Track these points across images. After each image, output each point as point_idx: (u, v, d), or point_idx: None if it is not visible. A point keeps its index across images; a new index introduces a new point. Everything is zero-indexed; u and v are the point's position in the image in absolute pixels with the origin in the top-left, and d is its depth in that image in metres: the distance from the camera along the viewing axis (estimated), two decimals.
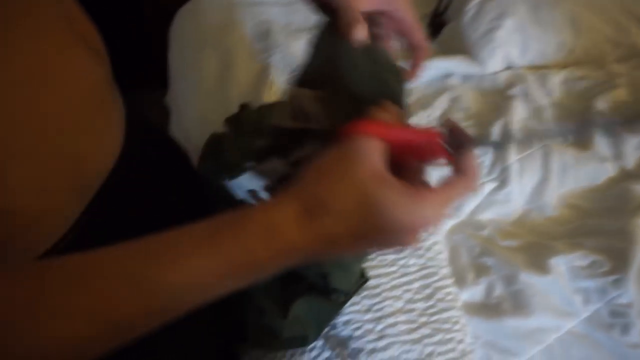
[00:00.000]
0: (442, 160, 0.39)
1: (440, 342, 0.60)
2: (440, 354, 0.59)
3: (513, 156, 0.79)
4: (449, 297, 0.64)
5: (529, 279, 0.66)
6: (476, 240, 0.72)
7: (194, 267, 0.33)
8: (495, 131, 0.84)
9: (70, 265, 0.33)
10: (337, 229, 0.34)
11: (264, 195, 0.61)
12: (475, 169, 0.38)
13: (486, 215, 0.76)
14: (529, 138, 0.87)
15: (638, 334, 0.61)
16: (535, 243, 0.71)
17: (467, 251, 0.71)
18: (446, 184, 0.37)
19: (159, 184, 0.62)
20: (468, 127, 0.87)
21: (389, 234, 0.35)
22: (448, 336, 0.60)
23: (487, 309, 0.65)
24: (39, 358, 0.31)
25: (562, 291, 0.65)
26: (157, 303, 0.33)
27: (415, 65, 0.54)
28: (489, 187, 0.78)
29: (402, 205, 0.34)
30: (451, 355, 0.59)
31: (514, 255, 0.69)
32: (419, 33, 0.52)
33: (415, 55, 0.54)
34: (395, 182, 0.35)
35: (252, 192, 0.66)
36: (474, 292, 0.67)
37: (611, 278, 0.64)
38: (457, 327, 0.61)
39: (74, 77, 0.44)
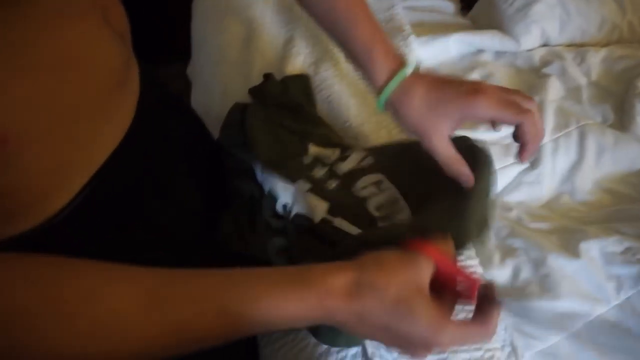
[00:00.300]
0: (469, 304, 0.44)
1: None
2: None
3: (547, 136, 0.75)
4: None
5: (558, 263, 0.63)
6: (503, 221, 0.69)
7: (263, 308, 0.38)
8: None
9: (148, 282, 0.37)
10: (372, 313, 0.39)
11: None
12: (494, 327, 0.42)
13: (515, 197, 0.73)
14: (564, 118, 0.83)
15: None
16: (566, 227, 0.68)
17: (494, 232, 0.68)
18: (466, 324, 0.41)
19: (174, 153, 0.60)
20: None
21: (405, 339, 0.40)
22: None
23: (512, 291, 0.62)
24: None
25: (593, 276, 0.62)
26: (229, 331, 0.38)
27: (524, 148, 0.52)
28: (519, 168, 0.74)
29: (428, 322, 0.39)
30: None
31: (543, 238, 0.66)
32: (515, 112, 0.50)
33: (522, 140, 0.52)
34: (431, 300, 0.40)
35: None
36: (500, 274, 0.64)
37: None
38: None
39: (96, 63, 0.44)
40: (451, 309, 0.44)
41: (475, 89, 0.50)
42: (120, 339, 0.35)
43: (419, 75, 0.54)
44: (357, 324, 0.40)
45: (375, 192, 0.63)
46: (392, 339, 0.41)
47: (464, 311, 0.51)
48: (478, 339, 0.42)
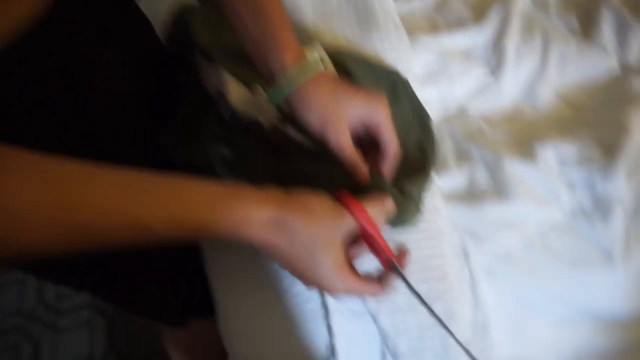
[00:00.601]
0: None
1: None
2: (413, 231, 0.56)
3: (512, 45, 0.73)
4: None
5: (514, 168, 0.62)
6: (462, 129, 0.67)
7: (174, 221, 0.38)
8: (494, 19, 0.77)
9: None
10: (280, 249, 0.42)
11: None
12: (387, 291, 0.47)
13: (475, 106, 0.71)
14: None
15: (618, 223, 0.58)
16: (525, 133, 0.67)
17: (450, 139, 0.66)
18: (365, 281, 0.46)
19: (105, 43, 0.56)
20: (465, 16, 0.80)
21: (305, 278, 0.44)
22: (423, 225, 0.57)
23: (467, 196, 0.62)
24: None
25: (547, 180, 0.61)
26: (142, 240, 0.38)
27: (384, 168, 0.54)
28: (482, 70, 0.72)
29: (327, 272, 0.43)
30: (421, 235, 0.56)
31: (500, 144, 0.65)
32: (393, 140, 0.52)
33: (383, 160, 0.53)
34: (339, 253, 0.43)
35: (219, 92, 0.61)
36: (454, 180, 0.63)
37: (600, 167, 0.61)
38: (430, 209, 0.58)
39: None
40: (360, 255, 0.48)
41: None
42: (27, 234, 0.33)
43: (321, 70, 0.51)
44: (268, 253, 0.43)
45: None
46: (295, 273, 0.45)
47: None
48: (369, 295, 0.47)
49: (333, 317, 0.55)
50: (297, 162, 0.56)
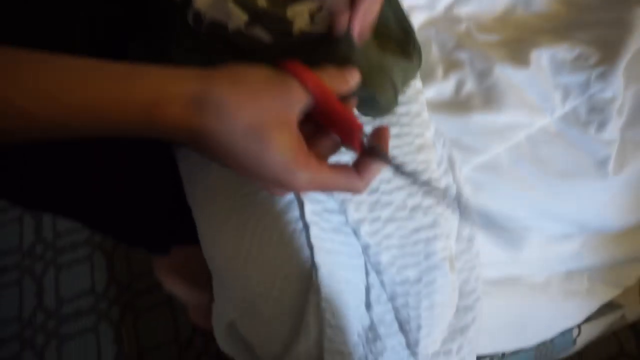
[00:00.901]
0: (351, 151, 0.38)
1: (395, 136, 0.54)
2: (395, 147, 0.53)
3: None
4: (409, 92, 0.56)
5: (505, 73, 0.58)
6: (451, 34, 0.62)
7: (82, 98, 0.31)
8: None
9: None
10: (214, 137, 0.33)
11: None
12: (369, 181, 0.37)
13: (465, 9, 0.65)
14: None
15: (613, 131, 0.55)
16: (518, 37, 0.62)
17: (438, 45, 0.62)
18: (337, 170, 0.36)
19: None
20: None
21: (257, 174, 0.35)
22: (405, 130, 0.54)
23: (454, 105, 0.58)
24: None
25: (540, 86, 0.57)
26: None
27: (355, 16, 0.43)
28: None
29: (283, 159, 0.33)
30: (406, 149, 0.53)
31: (491, 49, 0.60)
32: None
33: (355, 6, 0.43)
34: (295, 135, 0.34)
35: None
36: (442, 88, 0.59)
37: (597, 70, 0.56)
38: (416, 120, 0.55)
39: None
40: (327, 151, 0.39)
41: None
42: None
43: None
44: (197, 146, 0.34)
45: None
46: (244, 171, 0.35)
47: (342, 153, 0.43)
48: (348, 189, 0.37)
49: (312, 231, 0.54)
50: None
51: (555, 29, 0.62)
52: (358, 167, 0.38)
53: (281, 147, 0.33)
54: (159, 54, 0.58)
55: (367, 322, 0.57)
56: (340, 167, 0.37)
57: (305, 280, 0.58)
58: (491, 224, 0.56)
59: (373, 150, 0.37)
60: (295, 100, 0.35)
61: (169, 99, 0.32)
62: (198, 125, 0.33)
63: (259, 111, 0.33)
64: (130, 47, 0.59)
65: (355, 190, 0.38)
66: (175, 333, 1.13)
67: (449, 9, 0.65)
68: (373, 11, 0.45)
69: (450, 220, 0.55)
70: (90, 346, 1.14)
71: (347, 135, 0.37)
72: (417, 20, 0.64)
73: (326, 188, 0.37)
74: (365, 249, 0.53)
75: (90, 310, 1.18)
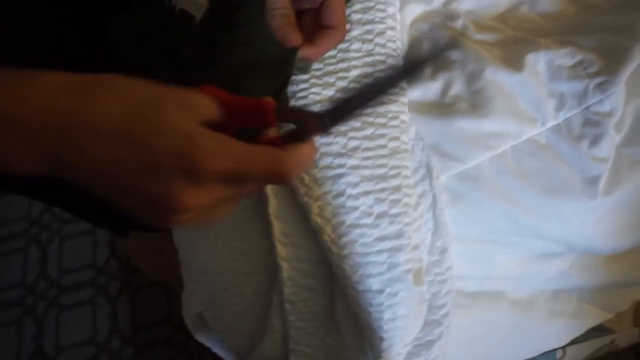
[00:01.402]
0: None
1: (368, 137, 0.51)
2: (367, 149, 0.50)
3: None
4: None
5: (496, 76, 0.53)
6: (445, 31, 0.58)
7: None
8: None
9: None
10: (109, 118, 0.28)
11: None
12: (298, 159, 0.32)
13: (464, 4, 0.61)
14: None
15: (608, 148, 0.50)
16: (516, 38, 0.57)
17: (430, 43, 0.58)
18: (255, 145, 0.32)
19: None
20: None
21: (148, 150, 0.28)
22: (379, 132, 0.51)
23: (438, 107, 0.54)
24: None
25: (532, 92, 0.53)
26: None
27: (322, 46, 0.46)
28: None
29: (183, 125, 0.29)
30: (378, 151, 0.50)
31: (485, 50, 0.56)
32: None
33: (324, 35, 0.45)
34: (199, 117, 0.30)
35: None
36: (428, 89, 0.55)
37: (596, 80, 0.52)
38: (393, 122, 0.51)
39: None
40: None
41: None
42: None
43: None
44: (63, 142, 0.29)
45: None
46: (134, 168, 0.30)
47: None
48: (268, 166, 0.31)
49: (276, 229, 0.52)
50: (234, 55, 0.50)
51: (558, 31, 0.57)
52: (283, 144, 0.33)
53: (179, 116, 0.29)
54: (138, 32, 0.57)
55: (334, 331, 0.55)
56: (259, 144, 0.33)
57: (270, 279, 0.57)
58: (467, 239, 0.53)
59: (310, 125, 0.34)
60: (193, 102, 0.31)
61: (43, 83, 0.29)
62: (85, 109, 0.29)
63: (157, 90, 0.30)
64: (112, 25, 0.58)
65: (282, 169, 0.31)
66: (169, 313, 1.14)
67: (448, 3, 0.61)
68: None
69: (422, 230, 0.52)
70: (87, 317, 1.17)
71: (259, 115, 0.34)
72: (412, 13, 0.60)
73: (240, 164, 0.30)
74: (328, 255, 0.51)
75: (89, 283, 1.20)
